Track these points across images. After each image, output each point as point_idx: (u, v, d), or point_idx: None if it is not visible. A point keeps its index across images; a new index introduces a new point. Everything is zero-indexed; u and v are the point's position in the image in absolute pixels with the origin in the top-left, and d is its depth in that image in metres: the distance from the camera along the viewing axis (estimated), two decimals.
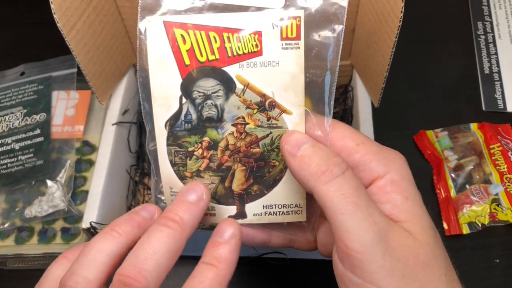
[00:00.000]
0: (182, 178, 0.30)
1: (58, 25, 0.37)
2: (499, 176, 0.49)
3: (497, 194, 0.48)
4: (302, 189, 0.29)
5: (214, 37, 0.27)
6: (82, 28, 0.40)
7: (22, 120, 0.53)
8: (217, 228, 0.27)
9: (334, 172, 0.25)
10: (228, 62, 0.27)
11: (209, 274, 0.25)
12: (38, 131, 0.52)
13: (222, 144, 0.29)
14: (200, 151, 0.29)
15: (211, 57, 0.27)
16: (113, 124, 0.46)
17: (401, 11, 0.33)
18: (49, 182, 0.48)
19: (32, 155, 0.50)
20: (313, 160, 0.25)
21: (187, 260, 0.47)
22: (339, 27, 0.27)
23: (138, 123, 0.52)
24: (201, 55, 0.27)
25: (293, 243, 0.33)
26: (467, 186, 0.49)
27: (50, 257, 0.46)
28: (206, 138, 0.29)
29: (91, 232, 0.40)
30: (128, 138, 0.49)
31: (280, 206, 0.30)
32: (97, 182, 0.42)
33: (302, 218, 0.30)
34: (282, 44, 0.26)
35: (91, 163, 0.51)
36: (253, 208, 0.30)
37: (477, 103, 0.56)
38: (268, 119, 0.28)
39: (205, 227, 0.39)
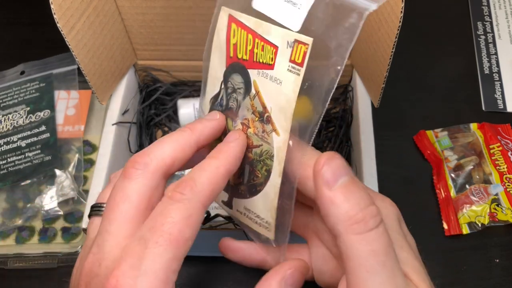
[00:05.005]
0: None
1: (58, 25, 0.37)
2: (499, 176, 0.49)
3: (497, 194, 0.48)
4: (273, 210, 0.29)
5: (250, 40, 0.28)
6: (82, 28, 0.40)
7: (26, 118, 0.53)
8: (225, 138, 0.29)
9: (369, 224, 0.23)
10: (253, 66, 0.28)
11: (211, 162, 0.26)
12: (43, 128, 0.52)
13: None
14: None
15: (245, 57, 0.29)
16: (113, 124, 0.46)
17: (401, 11, 0.33)
18: (57, 172, 0.49)
19: (39, 151, 0.51)
20: (350, 202, 0.23)
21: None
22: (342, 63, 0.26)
23: (138, 123, 0.52)
24: (239, 52, 0.29)
25: (264, 264, 0.31)
26: (467, 186, 0.49)
27: (51, 257, 0.46)
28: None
29: None
30: (128, 138, 0.49)
31: (255, 215, 0.30)
32: (97, 182, 0.43)
33: (270, 236, 0.30)
34: (289, 66, 0.26)
35: (91, 163, 0.51)
36: (238, 205, 0.31)
37: (477, 103, 0.56)
38: (263, 131, 0.28)
39: (205, 228, 0.39)
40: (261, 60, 0.28)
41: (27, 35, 0.64)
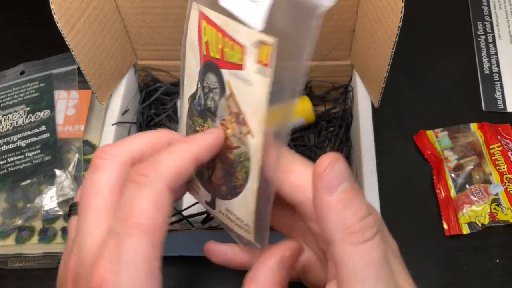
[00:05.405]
0: None
1: (58, 25, 0.37)
2: (499, 176, 0.49)
3: (497, 194, 0.48)
4: (252, 213, 0.28)
5: (220, 38, 0.27)
6: (82, 28, 0.40)
7: (26, 118, 0.53)
8: None
9: (367, 235, 0.22)
10: (225, 66, 0.27)
11: (179, 145, 0.25)
12: (43, 128, 0.52)
13: None
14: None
15: (217, 56, 0.27)
16: (113, 124, 0.46)
17: (401, 11, 0.33)
18: (57, 172, 0.49)
19: (39, 151, 0.51)
20: (349, 210, 0.22)
21: (182, 260, 0.47)
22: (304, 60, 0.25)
23: (138, 123, 0.52)
24: (212, 51, 0.28)
25: (250, 266, 0.30)
26: (467, 186, 0.49)
27: (51, 257, 0.47)
28: (206, 125, 0.30)
29: None
30: None
31: (236, 217, 0.29)
32: None
33: (251, 238, 0.29)
34: (256, 67, 0.25)
35: None
36: (220, 205, 0.30)
37: (477, 103, 0.56)
38: (240, 132, 0.27)
39: (205, 228, 0.39)
40: (231, 60, 0.26)
41: (27, 35, 0.65)
